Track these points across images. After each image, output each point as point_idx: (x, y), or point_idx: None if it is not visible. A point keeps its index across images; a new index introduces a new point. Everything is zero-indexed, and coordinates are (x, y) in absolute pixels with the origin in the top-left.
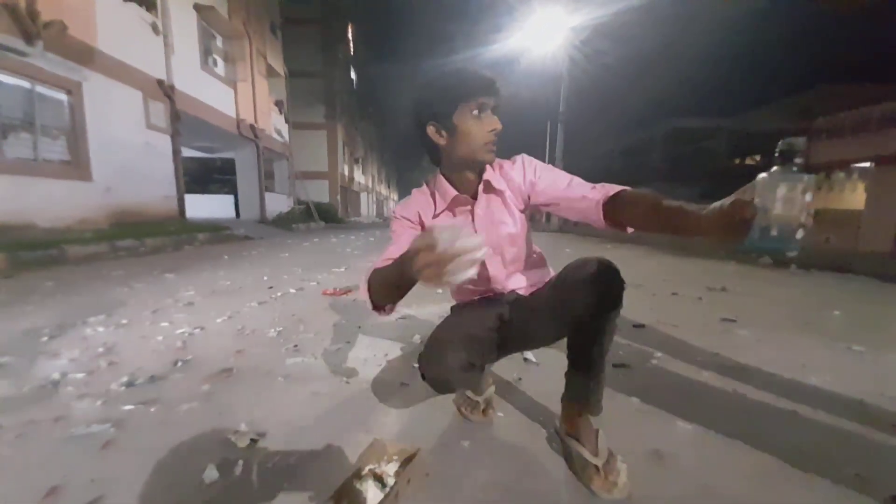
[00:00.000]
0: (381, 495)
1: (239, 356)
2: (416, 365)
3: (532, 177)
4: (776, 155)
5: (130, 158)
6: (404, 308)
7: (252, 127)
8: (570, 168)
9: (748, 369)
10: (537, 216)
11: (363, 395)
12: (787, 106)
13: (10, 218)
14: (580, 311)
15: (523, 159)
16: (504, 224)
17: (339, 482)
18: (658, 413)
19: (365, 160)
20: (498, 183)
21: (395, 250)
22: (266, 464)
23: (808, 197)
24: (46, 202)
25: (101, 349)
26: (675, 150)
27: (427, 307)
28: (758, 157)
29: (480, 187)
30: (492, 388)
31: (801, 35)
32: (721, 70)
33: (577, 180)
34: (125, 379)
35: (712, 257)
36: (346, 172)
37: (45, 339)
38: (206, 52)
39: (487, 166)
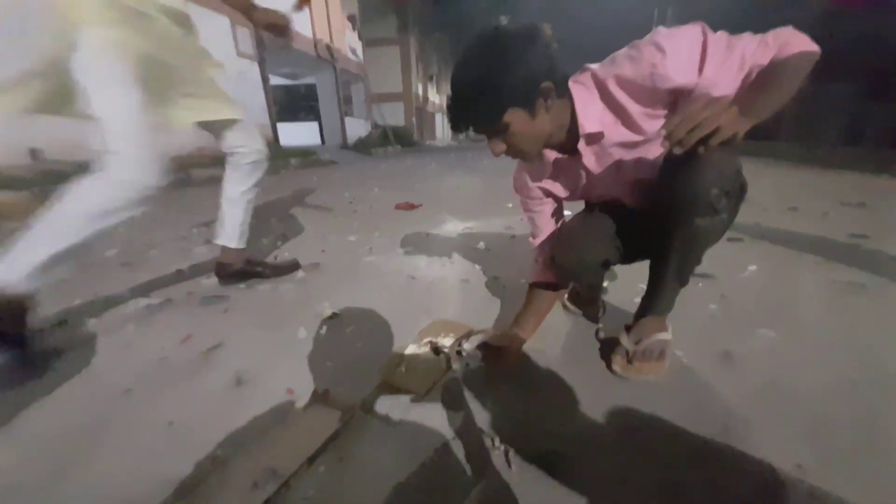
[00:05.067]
0: (434, 359)
1: (324, 255)
2: (475, 267)
3: (653, 62)
4: None
5: (229, 88)
6: (471, 221)
7: (328, 47)
8: None
9: (865, 288)
10: None
11: (427, 287)
12: None
13: None
14: (672, 207)
15: (642, 45)
16: (631, 159)
17: (402, 349)
18: (735, 321)
19: (439, 77)
20: (594, 125)
21: (537, 234)
22: (345, 330)
23: None
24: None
25: None
26: (830, 36)
27: (491, 219)
28: None
29: (582, 142)
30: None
31: None
32: None
33: (725, 61)
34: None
35: (859, 169)
36: (421, 92)
37: (182, 238)
38: None
39: (579, 95)
